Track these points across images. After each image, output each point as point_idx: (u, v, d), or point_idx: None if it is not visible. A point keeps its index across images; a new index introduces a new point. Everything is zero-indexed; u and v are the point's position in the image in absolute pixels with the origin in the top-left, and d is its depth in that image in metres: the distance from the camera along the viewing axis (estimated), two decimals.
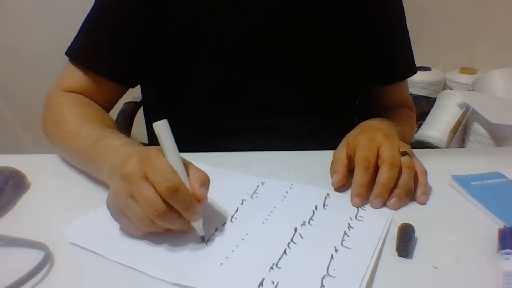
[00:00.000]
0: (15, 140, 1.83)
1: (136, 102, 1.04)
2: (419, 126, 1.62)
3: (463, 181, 0.59)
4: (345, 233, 0.49)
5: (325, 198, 0.55)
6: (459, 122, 1.49)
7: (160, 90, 0.77)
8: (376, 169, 0.55)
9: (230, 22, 0.69)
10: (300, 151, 0.68)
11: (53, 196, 0.58)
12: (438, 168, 0.61)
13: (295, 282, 0.41)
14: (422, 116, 1.63)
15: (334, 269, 0.43)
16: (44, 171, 0.63)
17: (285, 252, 0.45)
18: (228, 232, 0.49)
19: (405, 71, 0.82)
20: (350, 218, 0.52)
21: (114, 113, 0.86)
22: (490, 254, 0.46)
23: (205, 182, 0.46)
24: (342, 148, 0.60)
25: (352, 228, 0.50)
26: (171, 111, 0.72)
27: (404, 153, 0.56)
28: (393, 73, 0.81)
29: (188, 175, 0.46)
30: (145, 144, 0.57)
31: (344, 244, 0.47)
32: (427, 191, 0.57)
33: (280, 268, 0.43)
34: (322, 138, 0.69)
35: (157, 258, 0.45)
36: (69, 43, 0.70)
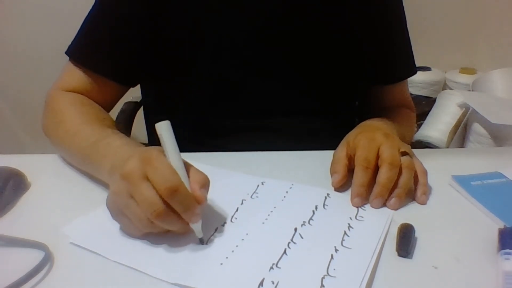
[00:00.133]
0: (15, 140, 1.83)
1: (136, 102, 1.04)
2: (419, 126, 1.62)
3: (463, 181, 0.59)
4: (345, 233, 0.49)
5: (325, 198, 0.55)
6: (459, 122, 1.49)
7: (160, 90, 0.77)
8: (376, 169, 0.55)
9: (230, 22, 0.69)
10: (300, 151, 0.68)
11: (53, 196, 0.58)
12: (438, 168, 0.61)
13: (295, 282, 0.41)
14: (422, 116, 1.63)
15: (334, 269, 0.43)
16: (44, 171, 0.63)
17: (285, 252, 0.45)
18: (228, 232, 0.49)
19: (405, 71, 0.82)
20: (350, 218, 0.52)
21: (114, 113, 0.86)
22: (490, 254, 0.46)
23: (205, 184, 0.46)
24: (342, 148, 0.60)
25: (352, 228, 0.50)
26: (171, 111, 0.72)
27: (404, 153, 0.56)
28: (393, 73, 0.81)
29: (189, 177, 0.46)
30: (145, 144, 0.57)
31: (344, 244, 0.47)
32: (427, 191, 0.57)
33: (280, 268, 0.43)
34: (322, 138, 0.69)
35: (157, 258, 0.45)
36: (69, 43, 0.70)
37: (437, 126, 1.56)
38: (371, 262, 0.44)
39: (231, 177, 0.60)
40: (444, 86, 1.88)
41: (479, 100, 1.41)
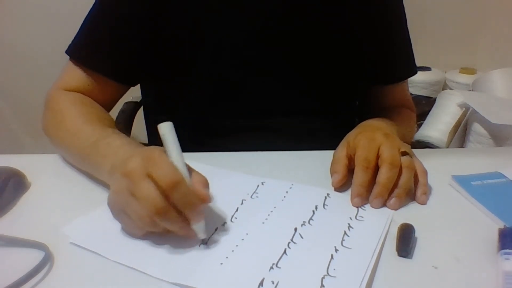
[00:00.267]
0: (15, 140, 1.83)
1: (136, 102, 1.04)
2: (419, 126, 1.61)
3: (463, 181, 0.59)
4: (345, 233, 0.49)
5: (325, 198, 0.55)
6: (459, 122, 1.49)
7: (160, 90, 0.77)
8: (376, 169, 0.55)
9: (230, 22, 0.69)
10: (300, 151, 0.68)
11: (53, 196, 0.58)
12: (438, 168, 0.61)
13: (295, 282, 0.41)
14: (422, 116, 1.63)
15: (334, 269, 0.43)
16: (44, 171, 0.63)
17: (285, 252, 0.45)
18: (228, 232, 0.49)
19: (405, 71, 0.82)
20: (350, 218, 0.52)
21: (114, 113, 0.86)
22: (490, 254, 0.46)
23: (206, 186, 0.46)
24: (342, 148, 0.60)
25: (352, 228, 0.50)
26: (171, 111, 0.72)
27: (404, 153, 0.56)
28: (393, 73, 0.81)
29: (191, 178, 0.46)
30: (145, 144, 0.57)
31: (344, 244, 0.47)
32: (427, 191, 0.57)
33: (280, 268, 0.43)
34: (322, 138, 0.69)
35: (157, 258, 0.45)
36: (69, 43, 0.70)
37: (437, 126, 1.56)
38: (371, 262, 0.44)
39: (231, 177, 0.60)
40: (444, 86, 1.88)
41: (479, 100, 1.41)
